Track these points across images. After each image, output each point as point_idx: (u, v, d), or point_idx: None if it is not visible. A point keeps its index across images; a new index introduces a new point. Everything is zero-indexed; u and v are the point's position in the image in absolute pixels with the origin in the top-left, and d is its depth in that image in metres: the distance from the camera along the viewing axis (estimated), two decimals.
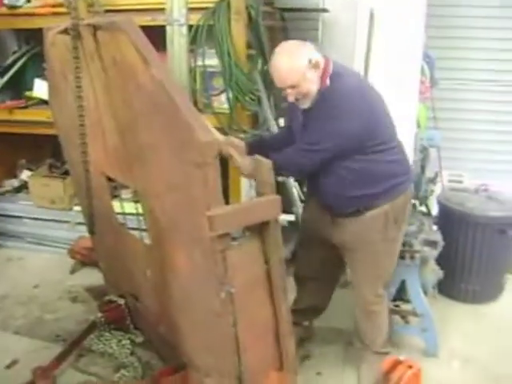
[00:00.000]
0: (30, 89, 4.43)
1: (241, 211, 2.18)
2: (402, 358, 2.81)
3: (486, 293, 3.74)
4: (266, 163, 2.19)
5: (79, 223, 4.27)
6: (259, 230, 2.23)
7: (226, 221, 2.04)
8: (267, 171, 2.19)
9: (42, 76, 4.34)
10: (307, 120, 2.53)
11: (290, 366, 2.48)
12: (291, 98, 2.46)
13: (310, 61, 2.38)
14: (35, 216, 4.50)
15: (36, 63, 4.47)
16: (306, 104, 2.49)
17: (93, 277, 3.88)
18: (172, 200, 2.18)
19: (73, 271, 4.10)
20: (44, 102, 4.16)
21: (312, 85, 2.42)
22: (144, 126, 2.12)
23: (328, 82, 2.44)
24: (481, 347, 3.21)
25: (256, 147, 2.68)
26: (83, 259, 4.08)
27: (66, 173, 4.47)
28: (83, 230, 4.12)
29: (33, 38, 4.46)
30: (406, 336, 3.22)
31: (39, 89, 4.29)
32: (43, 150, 4.96)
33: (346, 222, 2.66)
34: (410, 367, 2.73)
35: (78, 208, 4.30)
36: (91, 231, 2.67)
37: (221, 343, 2.29)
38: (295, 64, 2.37)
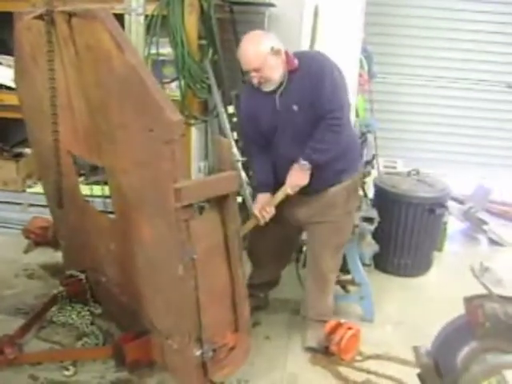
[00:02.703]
0: None
1: (204, 184, 2.44)
2: (342, 321, 3.13)
3: (417, 267, 4.12)
4: (226, 142, 2.44)
5: (32, 205, 4.38)
6: (219, 202, 2.48)
7: (191, 193, 2.26)
8: (227, 150, 2.44)
9: None
10: (295, 100, 2.74)
11: (244, 328, 2.72)
12: (255, 81, 2.74)
13: (272, 48, 2.68)
14: None
15: None
16: (269, 87, 2.76)
17: (46, 255, 4.05)
18: (140, 175, 2.38)
19: (27, 250, 4.17)
20: None
21: (274, 70, 2.70)
22: (115, 107, 2.31)
23: (296, 61, 2.74)
24: (411, 313, 3.57)
25: (266, 186, 2.97)
26: (37, 239, 4.18)
27: (18, 155, 4.55)
28: (36, 212, 4.27)
29: None
30: (346, 304, 3.53)
31: None
32: None
33: (313, 199, 2.93)
34: (350, 328, 3.06)
35: (31, 190, 4.41)
36: (60, 205, 2.82)
37: (183, 305, 2.49)
38: (259, 50, 2.68)
